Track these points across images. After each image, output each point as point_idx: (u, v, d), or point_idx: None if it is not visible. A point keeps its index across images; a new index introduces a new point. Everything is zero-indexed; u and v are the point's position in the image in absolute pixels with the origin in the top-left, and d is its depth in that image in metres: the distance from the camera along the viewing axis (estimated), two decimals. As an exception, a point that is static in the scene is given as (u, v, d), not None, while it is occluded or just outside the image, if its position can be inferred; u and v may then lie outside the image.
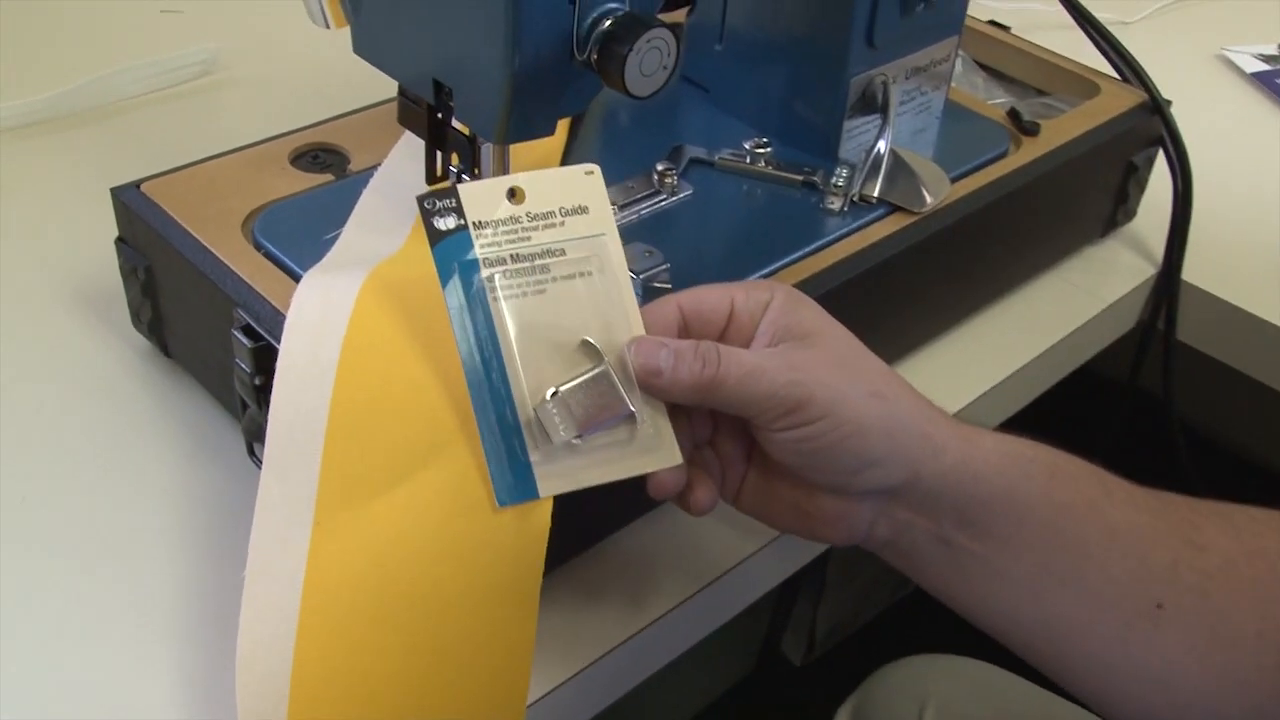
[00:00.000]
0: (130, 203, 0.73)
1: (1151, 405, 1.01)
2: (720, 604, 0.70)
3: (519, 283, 0.56)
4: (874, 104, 0.79)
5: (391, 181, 0.73)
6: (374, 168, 0.75)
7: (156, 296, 0.75)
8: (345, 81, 0.91)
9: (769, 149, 0.79)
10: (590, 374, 0.55)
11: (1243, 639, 0.55)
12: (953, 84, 0.86)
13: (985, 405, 0.82)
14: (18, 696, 0.60)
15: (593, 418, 0.55)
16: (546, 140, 0.63)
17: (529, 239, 0.57)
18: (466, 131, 0.64)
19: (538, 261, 0.57)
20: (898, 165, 0.78)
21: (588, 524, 0.67)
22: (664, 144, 0.80)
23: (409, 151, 0.74)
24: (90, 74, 1.02)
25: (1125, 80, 0.93)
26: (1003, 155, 0.84)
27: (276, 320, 0.63)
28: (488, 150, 0.64)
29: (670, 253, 0.70)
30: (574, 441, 0.55)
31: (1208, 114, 1.11)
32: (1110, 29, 0.92)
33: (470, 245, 0.56)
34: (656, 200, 0.75)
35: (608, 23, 0.58)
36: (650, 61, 0.58)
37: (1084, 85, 0.93)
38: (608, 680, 0.65)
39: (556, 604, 0.64)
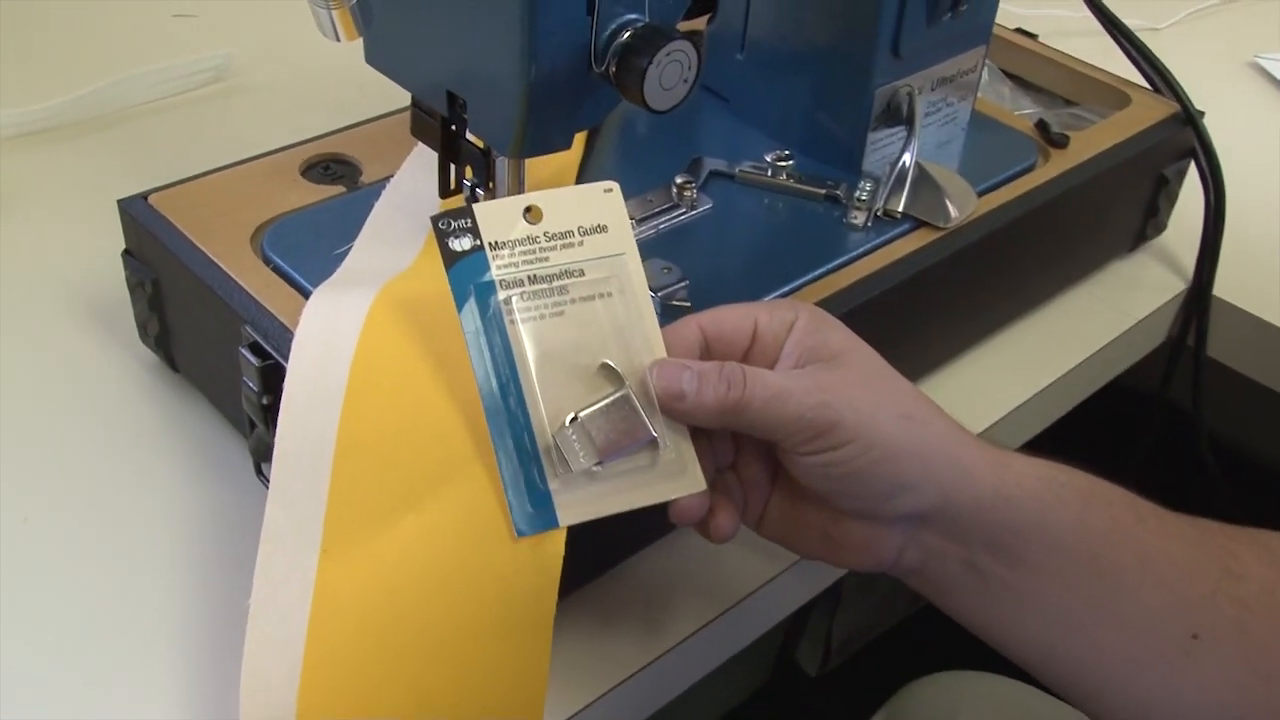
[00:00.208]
0: (137, 215, 0.72)
1: (1180, 420, 0.99)
2: (740, 629, 0.69)
3: (537, 304, 0.55)
4: (899, 115, 0.78)
5: (404, 194, 0.72)
6: (386, 179, 0.74)
7: (164, 311, 0.74)
8: (358, 89, 0.90)
9: (791, 161, 0.78)
10: (611, 398, 0.54)
11: None
12: (979, 94, 0.85)
13: (1010, 424, 0.81)
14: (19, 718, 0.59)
15: (614, 443, 0.54)
16: (563, 153, 0.62)
17: (547, 259, 0.56)
18: (481, 144, 0.63)
19: (556, 282, 0.56)
20: (923, 179, 0.77)
21: (604, 548, 0.66)
22: (683, 155, 0.79)
23: (422, 163, 0.73)
24: (99, 80, 1.01)
25: (1156, 90, 0.91)
26: (1030, 168, 0.83)
27: (285, 338, 0.62)
28: (502, 164, 0.63)
29: (689, 269, 0.69)
30: (594, 469, 0.54)
31: (1239, 124, 1.09)
32: (1139, 36, 0.90)
33: (486, 266, 0.55)
34: (675, 214, 0.74)
35: (627, 34, 0.56)
36: (670, 74, 0.56)
37: (1114, 95, 0.92)
38: (625, 708, 0.64)
39: (572, 630, 0.63)
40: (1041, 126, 0.85)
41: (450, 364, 0.56)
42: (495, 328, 0.54)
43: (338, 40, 0.62)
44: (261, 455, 0.67)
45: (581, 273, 0.56)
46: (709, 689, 1.25)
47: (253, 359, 0.62)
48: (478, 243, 0.55)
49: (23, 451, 0.72)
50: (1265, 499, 0.95)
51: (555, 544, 0.54)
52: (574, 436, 0.54)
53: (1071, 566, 0.56)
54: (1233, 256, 0.92)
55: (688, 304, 0.67)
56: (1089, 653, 0.56)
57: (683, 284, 0.67)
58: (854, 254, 0.73)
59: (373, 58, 0.65)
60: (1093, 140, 0.86)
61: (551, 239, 0.56)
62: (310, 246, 0.69)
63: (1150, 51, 0.90)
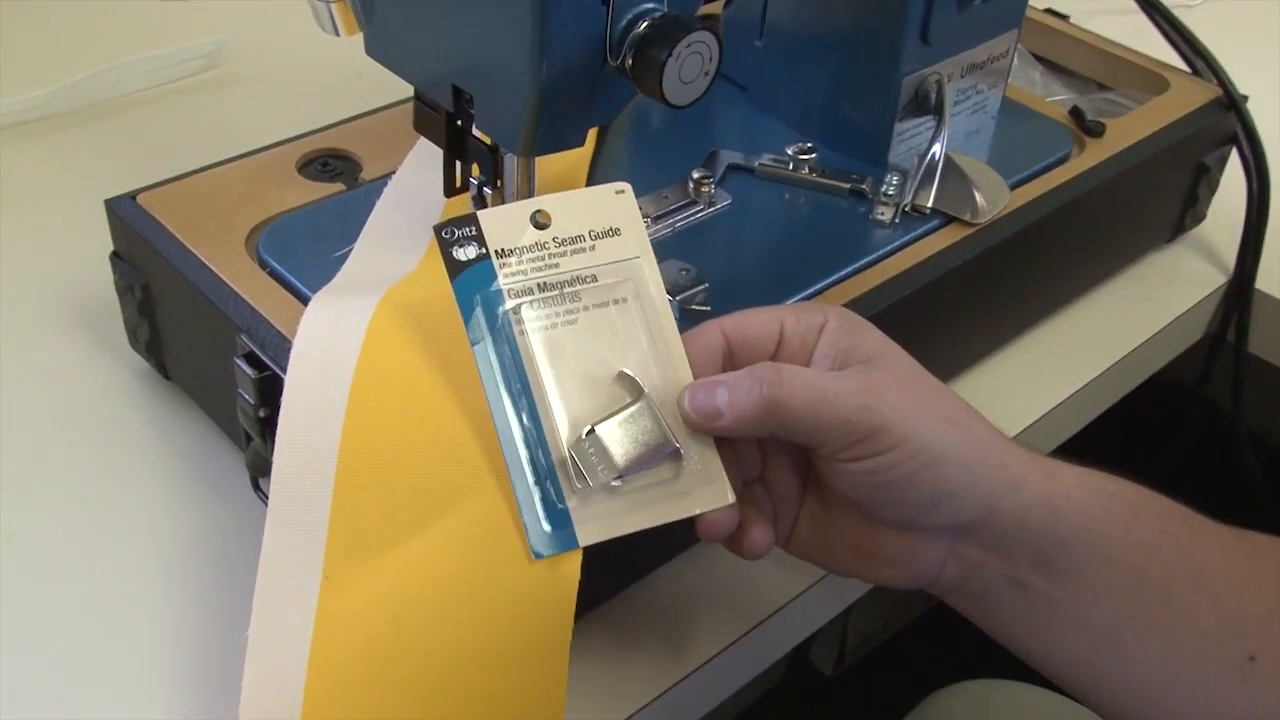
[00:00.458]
0: (125, 216, 0.70)
1: (1219, 420, 0.98)
2: (766, 647, 0.68)
3: (548, 313, 0.54)
4: (927, 105, 0.76)
5: (407, 193, 0.70)
6: (388, 176, 0.72)
7: (154, 316, 0.73)
8: (356, 76, 0.89)
9: (813, 154, 0.76)
10: (630, 409, 0.53)
11: None
12: (1008, 80, 0.83)
13: (1044, 427, 0.80)
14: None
15: (634, 457, 0.53)
16: (573, 148, 0.61)
17: (557, 265, 0.55)
18: (488, 141, 0.62)
19: (567, 289, 0.55)
20: (952, 171, 0.75)
21: (623, 564, 0.65)
22: (699, 148, 0.77)
23: (426, 159, 0.72)
24: (86, 69, 1.00)
25: (1195, 72, 0.90)
26: (1065, 159, 0.81)
27: (282, 347, 0.61)
28: (511, 161, 0.61)
29: (707, 270, 0.67)
30: (614, 484, 0.53)
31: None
32: (1174, 14, 0.89)
33: (493, 275, 0.54)
34: (692, 212, 0.73)
35: (644, 25, 0.55)
36: (691, 67, 0.55)
37: (1151, 79, 0.90)
38: (644, 735, 0.62)
39: (589, 652, 0.62)
40: (1076, 114, 0.84)
41: (458, 375, 0.55)
42: (504, 338, 0.53)
43: (337, 35, 0.61)
44: (259, 470, 0.66)
45: (594, 278, 0.55)
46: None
47: (248, 370, 0.61)
48: (483, 251, 0.54)
49: (5, 464, 0.71)
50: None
51: (571, 565, 0.52)
52: (591, 450, 0.53)
53: (1120, 583, 0.55)
54: (1277, 248, 0.91)
55: (707, 308, 0.66)
56: (1137, 674, 0.55)
57: (701, 287, 0.66)
58: (881, 252, 0.72)
59: (373, 49, 0.63)
60: (1130, 128, 0.84)
61: (561, 244, 0.55)
62: (308, 249, 0.68)
63: (1189, 31, 0.89)
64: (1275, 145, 0.89)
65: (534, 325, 0.54)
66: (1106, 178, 0.80)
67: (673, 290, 0.65)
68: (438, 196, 0.66)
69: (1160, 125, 0.84)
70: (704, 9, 0.85)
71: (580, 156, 0.71)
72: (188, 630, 0.63)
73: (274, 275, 0.67)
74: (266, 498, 0.64)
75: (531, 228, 0.55)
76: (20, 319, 0.80)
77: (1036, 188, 0.78)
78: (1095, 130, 0.83)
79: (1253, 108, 0.88)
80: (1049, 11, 0.98)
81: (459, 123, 0.63)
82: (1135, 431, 1.03)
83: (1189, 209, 0.91)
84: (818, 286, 0.69)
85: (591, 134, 0.72)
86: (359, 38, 0.63)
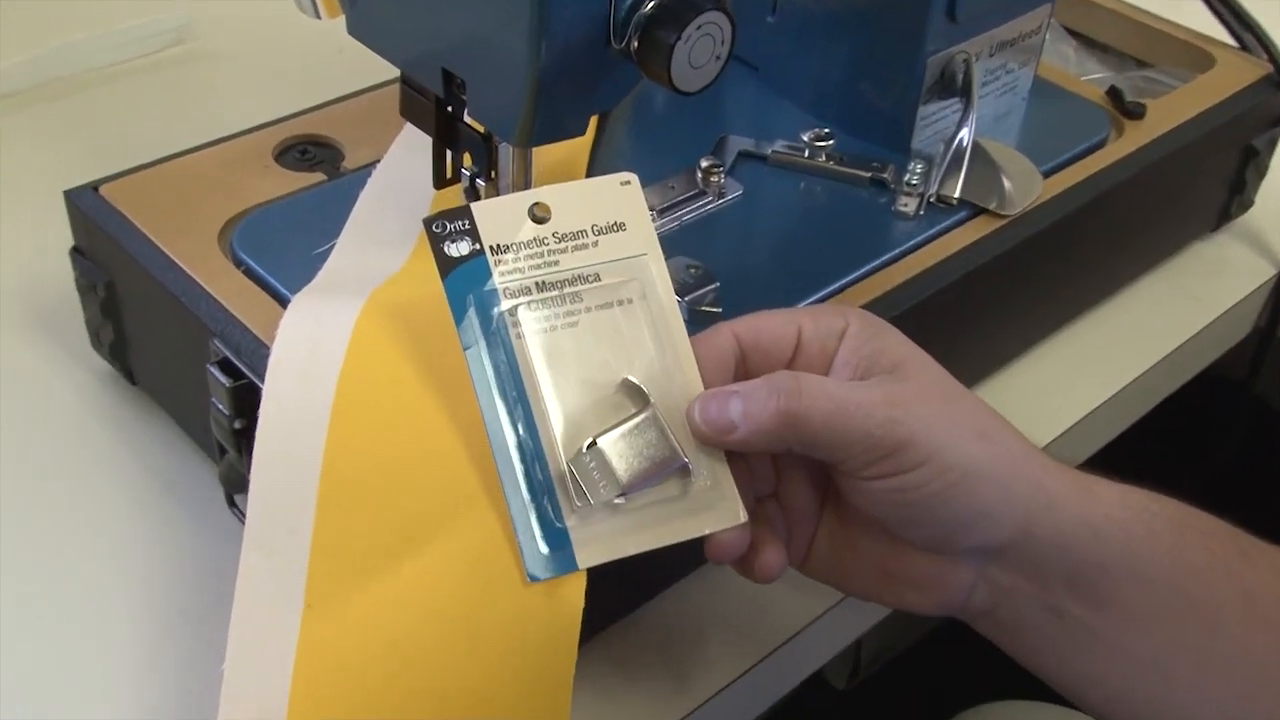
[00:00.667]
0: (87, 209, 0.70)
1: (1269, 420, 0.98)
2: (780, 676, 0.68)
3: (547, 314, 0.54)
4: (953, 86, 0.76)
5: (393, 183, 0.70)
6: (372, 165, 0.72)
7: (119, 317, 0.73)
8: (338, 57, 0.89)
9: (830, 140, 0.76)
10: (635, 420, 0.53)
11: None
12: (1041, 58, 0.83)
13: (1080, 433, 0.80)
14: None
15: (639, 472, 0.53)
16: (570, 134, 0.61)
17: (557, 263, 0.55)
18: (481, 129, 0.62)
19: (568, 289, 0.55)
20: (981, 159, 0.76)
21: (624, 588, 0.65)
22: (707, 134, 0.77)
23: (413, 146, 0.71)
24: (42, 44, 0.99)
25: (1244, 48, 0.90)
26: (1102, 143, 0.81)
27: (259, 353, 0.61)
28: (506, 151, 0.61)
29: (717, 267, 0.67)
30: (617, 501, 0.53)
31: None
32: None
33: (488, 273, 0.54)
34: (701, 204, 0.73)
35: (650, 4, 0.55)
36: (701, 51, 0.55)
37: (1195, 55, 0.90)
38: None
39: (589, 682, 0.62)
40: (1113, 94, 0.84)
41: (450, 383, 0.54)
42: (499, 342, 0.53)
43: (318, 18, 0.61)
44: (234, 485, 0.66)
45: (597, 277, 0.55)
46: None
47: (223, 378, 0.61)
48: (477, 247, 0.54)
49: (-41, 479, 0.71)
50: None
51: (574, 589, 0.52)
52: (593, 465, 0.53)
53: (1165, 608, 0.54)
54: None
55: (717, 309, 0.66)
56: (1184, 709, 0.55)
57: (711, 287, 0.66)
58: (904, 247, 0.72)
59: (356, 29, 0.63)
60: (1172, 108, 0.84)
61: (562, 240, 0.55)
62: (287, 245, 0.67)
63: (1237, 3, 0.89)
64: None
65: (532, 328, 0.54)
66: (1147, 163, 0.80)
67: (680, 290, 0.65)
68: (426, 188, 0.66)
69: (1205, 106, 0.84)
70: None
71: (579, 144, 0.71)
72: (155, 664, 0.63)
73: (249, 274, 0.66)
74: (242, 516, 0.63)
75: (530, 222, 0.55)
76: (-28, 318, 0.80)
77: (1071, 175, 0.78)
78: (1135, 111, 0.83)
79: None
80: (1084, -17, 0.99)
81: (449, 109, 0.62)
82: (1178, 434, 1.03)
83: (1235, 196, 0.91)
84: (836, 285, 0.69)
85: (591, 120, 0.72)
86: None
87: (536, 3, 0.53)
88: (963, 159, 0.75)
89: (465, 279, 0.53)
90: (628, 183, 0.56)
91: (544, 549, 0.52)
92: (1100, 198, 0.77)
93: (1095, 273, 0.85)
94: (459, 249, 0.54)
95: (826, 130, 0.77)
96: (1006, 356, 0.81)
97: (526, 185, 0.62)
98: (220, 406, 0.62)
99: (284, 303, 0.63)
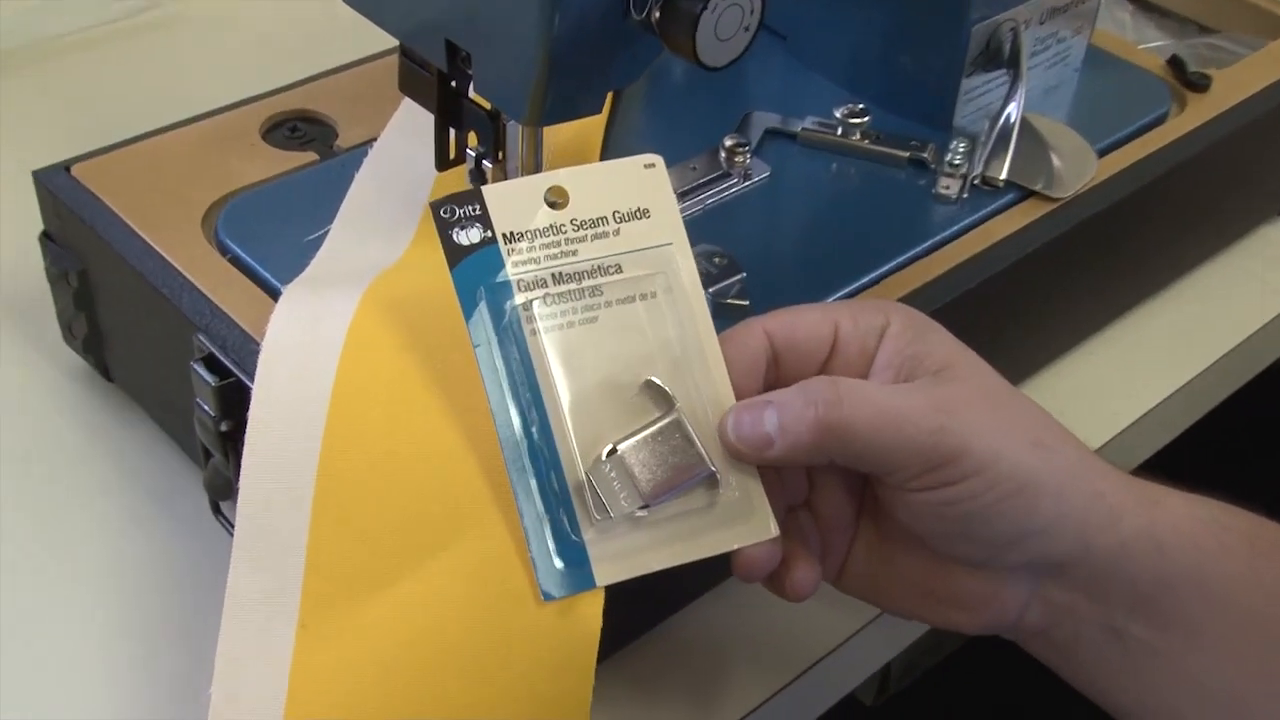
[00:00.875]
0: (58, 190, 0.71)
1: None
2: (810, 700, 0.68)
3: (564, 309, 0.54)
4: (1000, 57, 0.76)
5: (391, 164, 0.70)
6: (368, 144, 0.73)
7: (93, 308, 0.73)
8: (330, 25, 0.89)
9: (866, 117, 0.76)
10: (658, 425, 0.53)
11: None
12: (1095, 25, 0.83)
13: (1137, 433, 0.80)
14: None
15: (663, 481, 0.53)
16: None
17: (575, 253, 0.55)
18: (488, 106, 0.62)
19: (587, 282, 0.55)
20: (1029, 136, 0.76)
21: (644, 603, 0.65)
22: (731, 111, 0.77)
23: (413, 124, 0.72)
24: (5, 8, 1.00)
25: (1317, 13, 0.90)
26: (1163, 118, 0.81)
27: (248, 350, 0.61)
28: (515, 130, 0.61)
29: (742, 255, 0.67)
30: (638, 513, 0.53)
31: None
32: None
33: (500, 264, 0.54)
34: (724, 186, 0.73)
35: (673, -29, 0.55)
36: (729, 22, 0.55)
37: (1264, 20, 0.90)
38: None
39: (604, 706, 0.61)
40: (1175, 64, 0.84)
41: (457, 383, 0.55)
42: (512, 339, 0.53)
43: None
44: (219, 492, 0.66)
45: (618, 269, 0.55)
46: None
47: (208, 376, 0.61)
48: (489, 234, 0.54)
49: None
50: None
51: (591, 609, 0.52)
52: (613, 474, 0.53)
53: (1239, 632, 0.54)
54: None
55: (744, 302, 0.66)
56: None
57: (737, 278, 0.66)
58: (946, 234, 0.72)
59: (350, -4, 0.63)
60: (1239, 80, 0.84)
61: (580, 227, 0.55)
62: (276, 231, 0.68)
63: (1310, -37, 0.89)
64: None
65: (547, 324, 0.54)
66: (1212, 140, 0.80)
67: (703, 281, 0.65)
68: (428, 170, 0.66)
69: (1276, 76, 0.84)
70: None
71: (592, 123, 0.71)
72: (134, 685, 0.63)
73: (236, 263, 0.67)
74: (229, 525, 0.64)
75: (545, 207, 0.55)
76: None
77: (1129, 154, 0.78)
78: (1199, 84, 0.83)
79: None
80: (1141, -58, 0.99)
81: (453, 84, 0.62)
82: (1249, 435, 1.03)
83: (1308, 175, 0.91)
84: (871, 275, 0.69)
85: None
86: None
87: (550, -29, 0.53)
88: (1010, 137, 0.75)
89: (475, 269, 0.53)
90: (652, 165, 0.56)
91: (559, 564, 0.52)
92: (1160, 178, 0.77)
93: (1154, 259, 0.85)
94: (469, 236, 0.54)
95: (861, 106, 0.77)
96: (1057, 351, 0.82)
97: (537, 168, 0.62)
98: (205, 407, 0.62)
99: (274, 294, 0.63)
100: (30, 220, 0.74)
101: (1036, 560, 0.55)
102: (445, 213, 0.54)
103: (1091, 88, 0.83)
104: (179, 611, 0.66)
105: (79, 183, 0.71)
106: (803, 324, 0.56)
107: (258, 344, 0.57)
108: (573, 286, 0.54)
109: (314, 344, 0.56)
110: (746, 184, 0.74)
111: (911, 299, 0.67)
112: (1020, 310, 0.75)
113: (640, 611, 0.65)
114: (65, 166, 0.72)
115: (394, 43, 0.64)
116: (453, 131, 0.65)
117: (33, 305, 0.79)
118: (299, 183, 0.72)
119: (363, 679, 0.51)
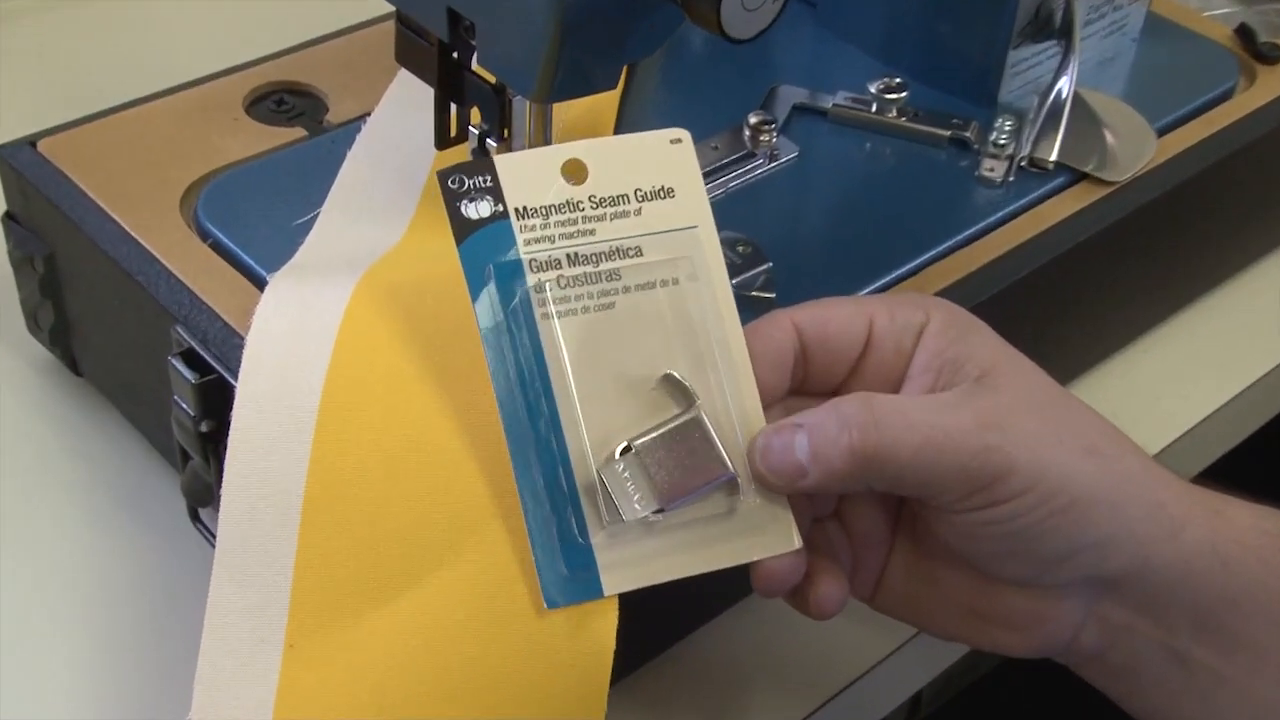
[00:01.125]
0: (22, 167, 0.71)
1: None
2: (842, 727, 0.68)
3: (579, 293, 0.54)
4: (1050, 27, 0.77)
5: (387, 141, 0.71)
6: (361, 119, 0.73)
7: (61, 296, 0.73)
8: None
9: (903, 93, 0.76)
10: (676, 422, 0.54)
11: None
12: (1154, -10, 0.84)
13: (1196, 438, 0.80)
14: None
15: (680, 483, 0.53)
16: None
17: (593, 232, 0.55)
18: (493, 80, 0.62)
19: (605, 264, 0.55)
20: (1082, 114, 0.76)
21: (660, 619, 0.65)
22: (756, 85, 0.78)
23: (410, 98, 0.72)
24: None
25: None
26: (1229, 93, 0.81)
27: (231, 343, 0.61)
28: (522, 106, 0.62)
29: (768, 243, 0.68)
30: (652, 517, 0.53)
31: None
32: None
33: (511, 241, 0.54)
34: (749, 167, 0.73)
35: (696, -68, 0.55)
36: (757, -10, 0.55)
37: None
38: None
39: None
40: (1243, 33, 0.84)
41: (459, 377, 0.55)
42: (522, 324, 0.53)
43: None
44: (198, 498, 0.66)
45: (639, 251, 0.55)
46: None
47: (187, 373, 0.61)
48: (500, 208, 0.54)
49: None
50: None
51: (604, 620, 0.53)
52: (626, 474, 0.53)
53: None
54: None
55: (770, 294, 0.66)
56: None
57: (763, 268, 0.66)
58: (990, 220, 0.72)
59: (344, -41, 0.64)
60: (1314, 51, 0.84)
61: (599, 205, 0.55)
62: (261, 213, 0.68)
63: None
64: None
65: (561, 308, 0.54)
66: (1284, 118, 0.80)
67: (730, 272, 0.66)
68: (426, 148, 0.66)
69: (1354, 48, 0.84)
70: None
71: (605, 98, 0.71)
72: (105, 704, 0.63)
73: (217, 248, 0.67)
74: (209, 535, 0.64)
75: (562, 181, 0.55)
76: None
77: (1191, 133, 0.78)
78: (1269, 55, 0.83)
79: None
80: (1205, -100, 0.99)
81: (455, 55, 0.63)
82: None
83: (1388, 157, 0.92)
84: (908, 266, 0.69)
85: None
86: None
87: (563, -66, 0.54)
88: (1061, 114, 0.75)
89: (484, 245, 0.53)
90: (678, 140, 0.56)
91: (564, 570, 0.52)
92: (1225, 160, 0.77)
93: (1218, 249, 0.85)
94: (478, 210, 0.54)
95: (898, 80, 0.77)
96: (1109, 349, 0.82)
97: (548, 144, 0.62)
98: (184, 405, 0.62)
99: (259, 283, 0.63)
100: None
101: (1091, 576, 0.55)
102: (453, 183, 0.53)
103: (1150, 60, 0.84)
104: (153, 629, 0.66)
105: (46, 159, 0.71)
106: (835, 318, 0.56)
107: (241, 337, 0.57)
108: (589, 269, 0.54)
109: (303, 337, 0.56)
110: (772, 165, 0.74)
111: (952, 291, 0.67)
112: (1070, 304, 0.75)
113: (655, 629, 0.66)
114: (31, 142, 0.72)
115: (390, 8, 0.64)
116: (454, 107, 0.65)
117: (-2, 289, 0.80)
118: (286, 161, 0.72)
119: (355, 703, 0.51)
